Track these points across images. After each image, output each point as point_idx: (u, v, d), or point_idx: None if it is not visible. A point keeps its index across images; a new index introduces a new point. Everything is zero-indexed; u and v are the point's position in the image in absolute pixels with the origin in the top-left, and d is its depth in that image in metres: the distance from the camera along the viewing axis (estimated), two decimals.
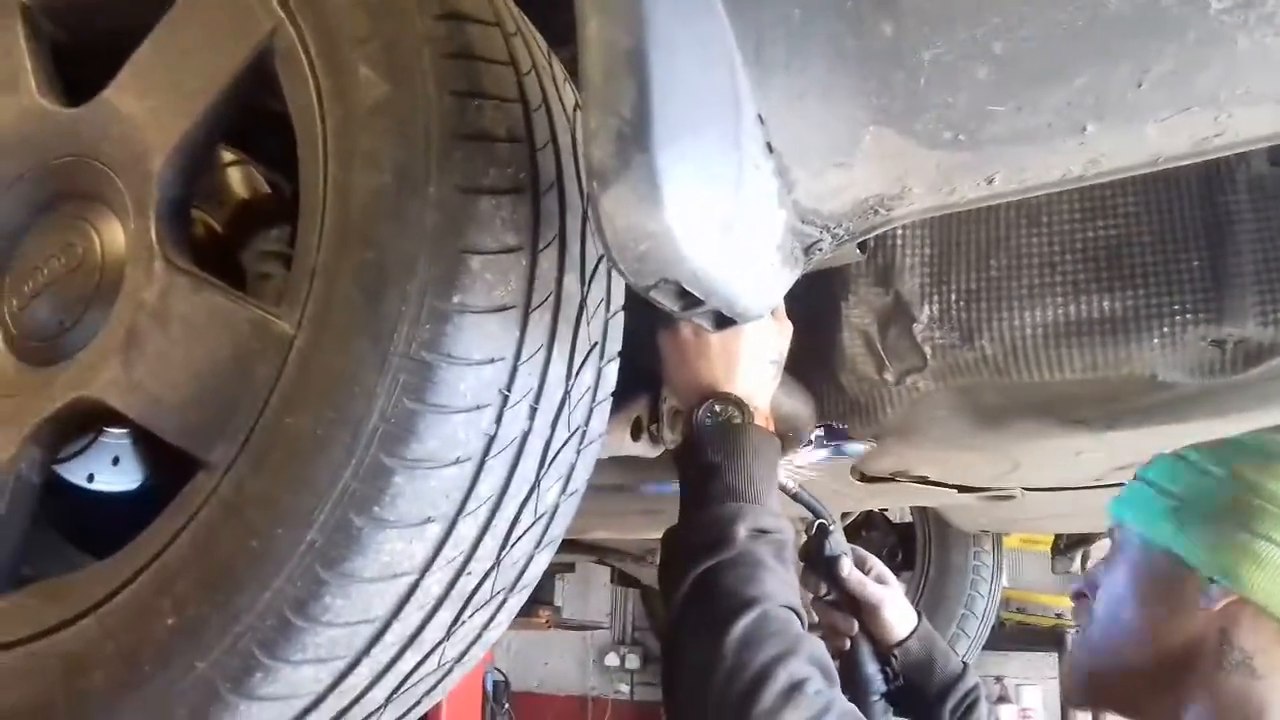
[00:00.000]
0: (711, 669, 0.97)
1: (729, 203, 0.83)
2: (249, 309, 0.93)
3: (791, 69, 0.84)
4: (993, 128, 0.87)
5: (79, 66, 1.17)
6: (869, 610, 1.48)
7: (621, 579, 4.61)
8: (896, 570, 3.96)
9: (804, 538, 1.52)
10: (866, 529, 3.70)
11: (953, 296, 1.52)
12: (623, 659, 8.07)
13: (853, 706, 0.99)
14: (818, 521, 1.52)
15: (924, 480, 2.15)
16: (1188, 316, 1.39)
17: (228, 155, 1.28)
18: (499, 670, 6.49)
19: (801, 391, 1.63)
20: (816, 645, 1.02)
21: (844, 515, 3.09)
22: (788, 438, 1.65)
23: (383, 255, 0.87)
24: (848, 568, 1.49)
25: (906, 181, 0.91)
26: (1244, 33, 0.79)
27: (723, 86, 0.82)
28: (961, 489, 2.25)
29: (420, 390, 0.85)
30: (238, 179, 1.27)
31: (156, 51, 1.06)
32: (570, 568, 3.99)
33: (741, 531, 1.05)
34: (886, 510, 3.83)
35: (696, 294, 0.86)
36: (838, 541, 1.52)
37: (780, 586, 1.04)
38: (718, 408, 1.15)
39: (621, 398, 1.58)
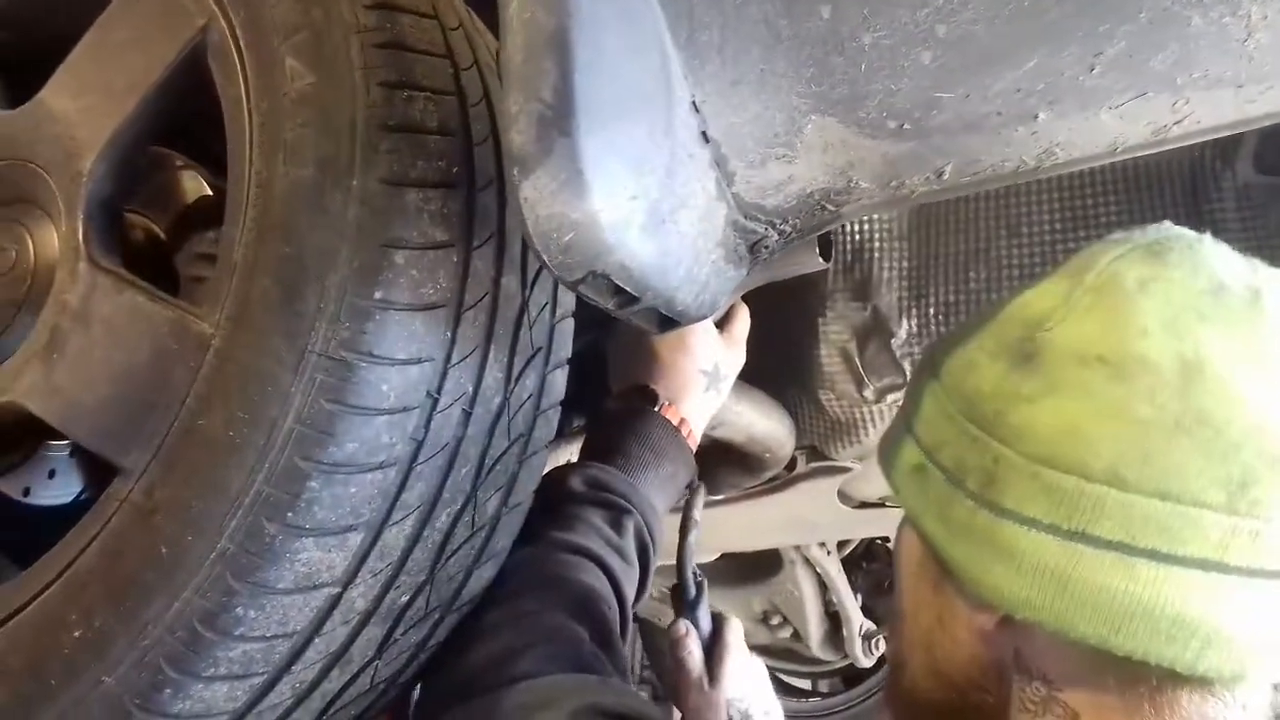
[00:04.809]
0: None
1: (660, 192, 0.79)
2: (170, 309, 0.90)
3: (725, 54, 0.80)
4: (940, 116, 0.82)
5: (27, 70, 1.15)
6: None
7: None
8: None
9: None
10: (867, 561, 3.61)
11: (931, 310, 1.48)
12: None
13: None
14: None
15: None
16: None
17: (178, 160, 1.25)
18: None
19: (778, 411, 1.58)
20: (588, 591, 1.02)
21: (841, 545, 3.02)
22: (764, 459, 1.60)
23: (302, 249, 0.83)
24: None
25: (852, 175, 0.87)
26: (1198, 12, 0.75)
27: (653, 71, 0.78)
28: None
29: (339, 391, 0.80)
30: (183, 183, 1.24)
31: (90, 51, 1.03)
32: None
33: (576, 483, 1.10)
34: (889, 541, 3.75)
35: (629, 289, 0.82)
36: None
37: (568, 534, 1.06)
38: (629, 396, 1.18)
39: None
